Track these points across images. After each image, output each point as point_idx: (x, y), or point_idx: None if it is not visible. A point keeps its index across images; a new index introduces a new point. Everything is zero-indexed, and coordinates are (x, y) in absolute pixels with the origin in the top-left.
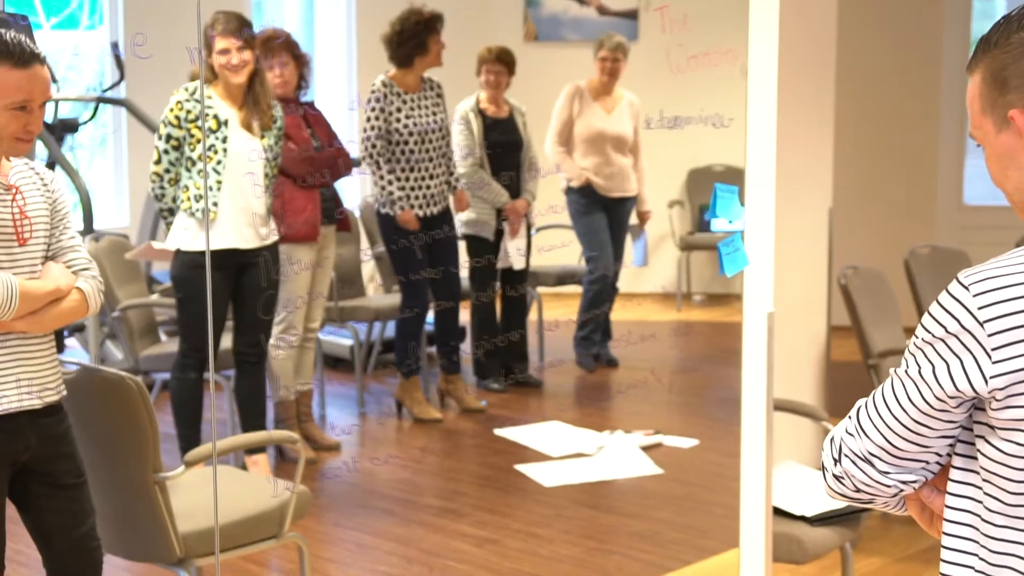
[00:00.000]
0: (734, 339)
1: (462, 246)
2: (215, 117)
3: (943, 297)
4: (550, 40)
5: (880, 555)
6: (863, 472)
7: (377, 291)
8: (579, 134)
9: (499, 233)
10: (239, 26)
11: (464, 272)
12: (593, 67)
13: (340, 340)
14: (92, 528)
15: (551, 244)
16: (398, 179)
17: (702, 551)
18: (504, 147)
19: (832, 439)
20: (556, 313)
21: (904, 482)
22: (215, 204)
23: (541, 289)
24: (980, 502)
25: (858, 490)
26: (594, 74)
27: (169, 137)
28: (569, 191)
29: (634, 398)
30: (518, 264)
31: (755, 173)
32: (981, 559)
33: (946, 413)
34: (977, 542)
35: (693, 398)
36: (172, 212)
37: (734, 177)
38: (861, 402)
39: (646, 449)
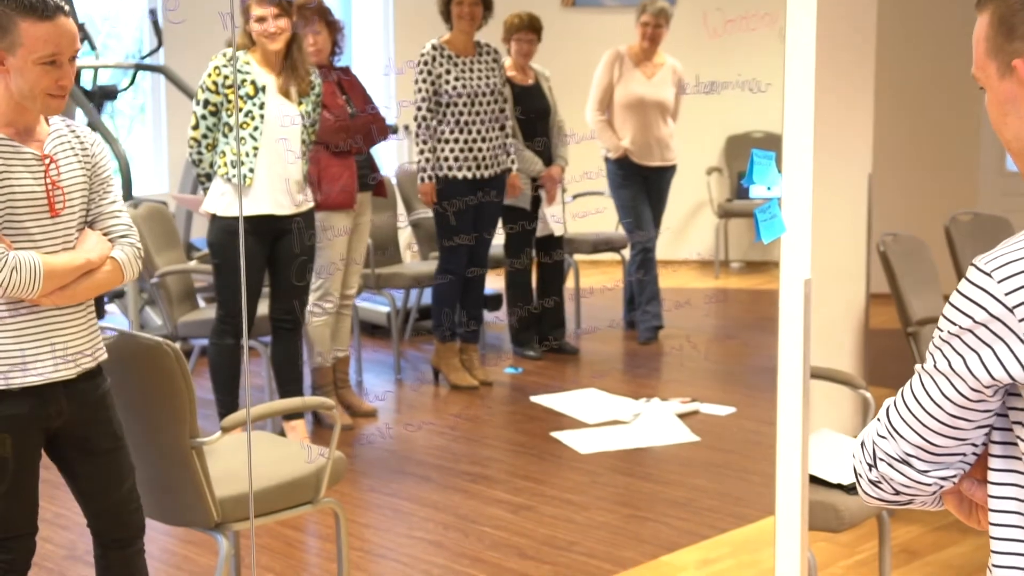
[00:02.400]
0: (772, 306)
1: None
2: (252, 83)
3: (964, 287)
4: (588, 6)
5: (918, 523)
6: (901, 474)
7: (414, 258)
8: (619, 100)
9: (535, 201)
10: None
11: (498, 240)
12: (631, 33)
13: (377, 307)
14: (130, 491)
15: (586, 210)
16: (447, 141)
17: (739, 519)
18: (534, 114)
19: (863, 444)
20: (592, 280)
21: (944, 478)
22: (251, 170)
23: (577, 256)
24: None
25: (897, 492)
26: (634, 40)
27: (207, 103)
28: (607, 161)
29: (671, 365)
30: (558, 231)
31: (792, 138)
32: None
33: (983, 403)
34: None
35: (731, 366)
36: (209, 178)
37: (773, 144)
38: (889, 402)
39: (683, 417)
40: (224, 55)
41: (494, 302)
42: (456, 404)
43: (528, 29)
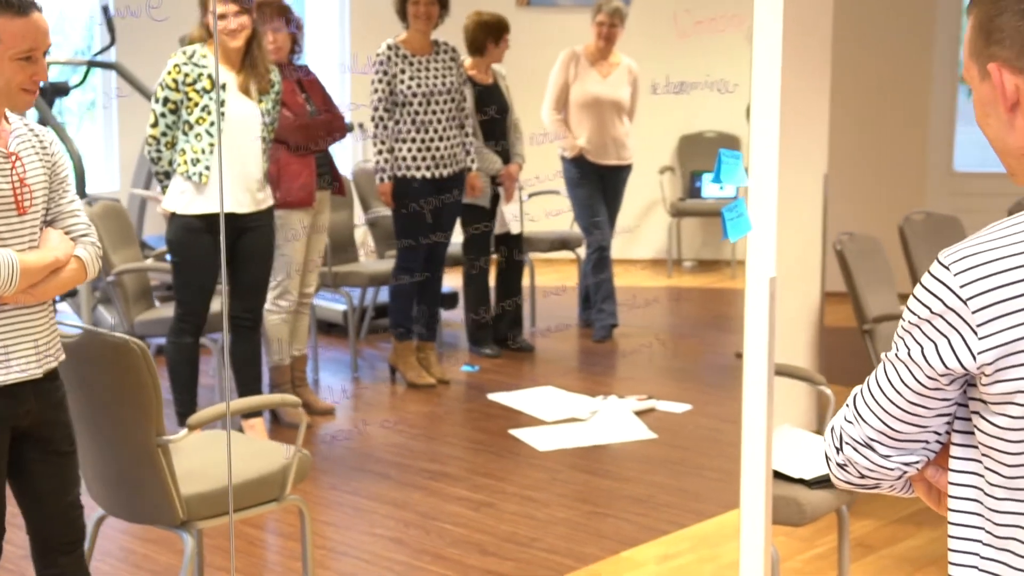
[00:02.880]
0: (725, 305)
1: None
2: (209, 77)
3: (926, 278)
4: (543, 5)
5: (873, 517)
6: (865, 458)
7: (368, 256)
8: (575, 99)
9: (494, 200)
10: None
11: (457, 238)
12: (585, 33)
13: (332, 305)
14: (78, 496)
15: (548, 210)
16: (405, 141)
17: (698, 515)
18: (495, 113)
19: (832, 429)
20: (549, 279)
21: (907, 464)
22: (208, 168)
23: (533, 255)
24: (982, 476)
25: (863, 476)
26: (588, 39)
27: (166, 100)
28: (563, 160)
29: (626, 363)
30: (516, 228)
31: (759, 139)
32: (987, 532)
33: (939, 391)
34: (982, 515)
35: (685, 363)
36: (168, 176)
37: (726, 143)
38: (857, 389)
39: (639, 414)
40: (184, 52)
41: (450, 300)
42: (414, 402)
43: (507, 30)
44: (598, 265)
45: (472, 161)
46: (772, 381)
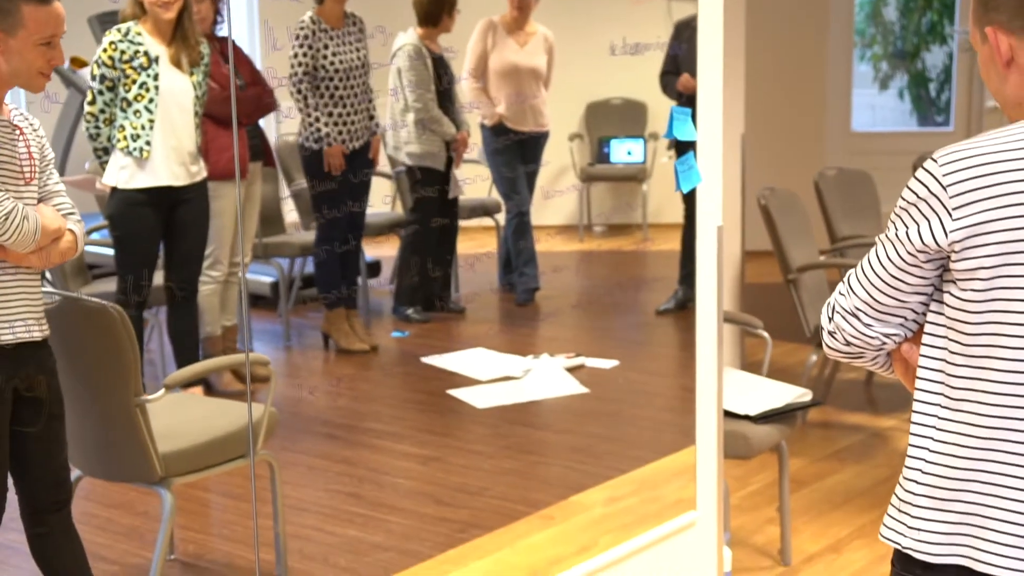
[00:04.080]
0: (639, 267)
1: (382, 183)
2: (146, 54)
3: (918, 171)
4: None
5: (800, 456)
6: (851, 325)
7: (290, 228)
8: (494, 68)
9: (447, 164)
10: None
11: (385, 206)
12: (487, 6)
13: (259, 277)
14: (66, 459)
15: (470, 177)
16: (322, 115)
17: (635, 460)
18: (447, 81)
19: (828, 303)
20: (466, 246)
21: (886, 334)
22: (148, 143)
23: None
24: (946, 348)
25: (848, 343)
26: (489, 13)
27: (103, 78)
28: (483, 128)
29: (551, 324)
30: (461, 192)
31: (704, 98)
32: (946, 396)
33: (917, 268)
34: (943, 383)
35: (608, 323)
36: (107, 151)
37: (632, 110)
38: (852, 269)
39: (570, 370)
40: (119, 30)
41: (373, 269)
42: (349, 367)
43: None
44: (518, 230)
45: (376, 126)
46: (721, 323)
